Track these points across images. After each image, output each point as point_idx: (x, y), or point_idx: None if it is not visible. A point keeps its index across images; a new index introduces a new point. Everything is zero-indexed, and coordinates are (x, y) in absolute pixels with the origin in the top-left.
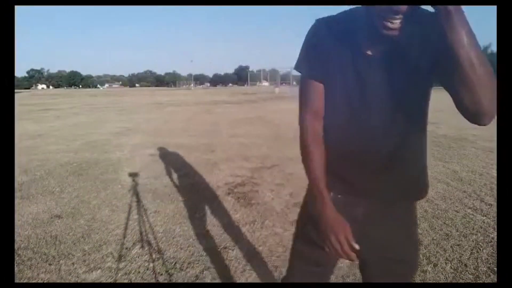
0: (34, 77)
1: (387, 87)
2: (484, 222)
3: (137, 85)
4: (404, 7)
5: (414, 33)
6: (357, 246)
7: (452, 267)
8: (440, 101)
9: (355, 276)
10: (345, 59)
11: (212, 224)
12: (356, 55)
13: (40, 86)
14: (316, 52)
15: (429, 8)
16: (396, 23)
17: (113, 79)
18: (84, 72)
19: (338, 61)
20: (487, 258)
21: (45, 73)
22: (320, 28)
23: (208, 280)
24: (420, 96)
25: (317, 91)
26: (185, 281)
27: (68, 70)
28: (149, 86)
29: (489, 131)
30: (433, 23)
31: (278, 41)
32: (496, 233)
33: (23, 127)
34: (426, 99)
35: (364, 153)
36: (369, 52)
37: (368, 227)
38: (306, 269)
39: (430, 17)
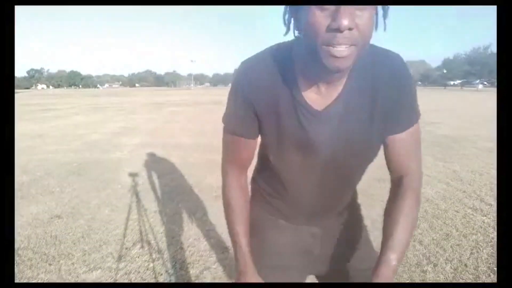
0: (34, 77)
1: (337, 144)
2: (484, 222)
3: (137, 85)
4: (355, 35)
5: (364, 83)
6: None
7: (452, 267)
8: (440, 101)
9: None
10: (286, 112)
11: (212, 224)
12: (298, 109)
13: (40, 86)
14: (247, 106)
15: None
16: (345, 51)
17: (113, 79)
18: (84, 72)
19: (276, 113)
20: (487, 258)
21: (45, 73)
22: (249, 74)
23: (208, 280)
24: (373, 149)
25: (246, 148)
26: (185, 281)
27: (68, 70)
28: (149, 86)
29: (489, 131)
30: (387, 67)
31: (278, 41)
32: (496, 233)
33: (23, 127)
34: (377, 149)
35: (310, 192)
36: (315, 106)
37: (324, 251)
38: None
39: (381, 67)
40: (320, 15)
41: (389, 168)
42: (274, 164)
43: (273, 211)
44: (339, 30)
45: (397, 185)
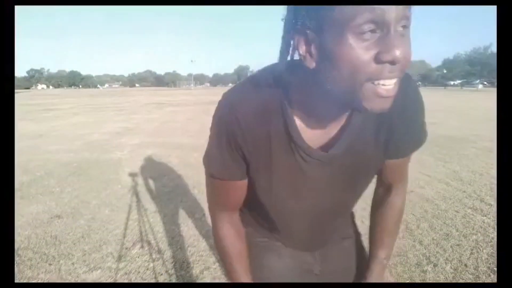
0: (34, 77)
1: (339, 184)
2: (484, 222)
3: (137, 85)
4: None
5: (369, 117)
6: None
7: (452, 267)
8: (440, 101)
9: None
10: (280, 154)
11: None
12: (296, 150)
13: (40, 86)
14: (232, 148)
15: None
16: (393, 88)
17: (113, 79)
18: (84, 72)
19: (268, 156)
20: (487, 258)
21: (45, 73)
22: (233, 111)
23: (208, 280)
24: (372, 177)
25: (234, 190)
26: (185, 281)
27: (68, 70)
28: (149, 86)
29: (489, 131)
30: (392, 108)
31: (278, 41)
32: (496, 233)
33: (23, 127)
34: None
35: (305, 228)
36: (314, 146)
37: (325, 269)
38: None
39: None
40: (360, 45)
41: (379, 179)
42: (264, 204)
43: (267, 235)
44: (393, 62)
45: (385, 189)
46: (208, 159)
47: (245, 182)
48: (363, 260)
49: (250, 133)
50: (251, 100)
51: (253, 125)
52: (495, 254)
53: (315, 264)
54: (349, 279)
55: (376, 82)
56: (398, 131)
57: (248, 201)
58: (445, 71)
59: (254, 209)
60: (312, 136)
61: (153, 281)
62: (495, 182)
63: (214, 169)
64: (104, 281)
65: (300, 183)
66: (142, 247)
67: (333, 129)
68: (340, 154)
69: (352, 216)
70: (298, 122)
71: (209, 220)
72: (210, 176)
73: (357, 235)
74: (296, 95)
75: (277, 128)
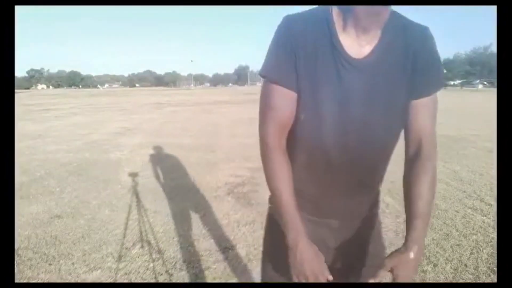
0: (34, 77)
1: (372, 98)
2: (484, 222)
3: (137, 85)
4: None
5: (397, 39)
6: (331, 278)
7: (452, 267)
8: (440, 101)
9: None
10: (324, 63)
11: (212, 224)
12: (337, 58)
13: (40, 86)
14: (288, 55)
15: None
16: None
17: (113, 79)
18: (84, 72)
19: (314, 65)
20: (487, 258)
21: (45, 73)
22: (291, 26)
23: (208, 280)
24: (402, 110)
25: (287, 100)
26: (185, 281)
27: (68, 70)
28: (149, 86)
29: (489, 131)
30: (416, 37)
31: None
32: (496, 233)
33: (23, 127)
34: (404, 114)
35: (337, 174)
36: (352, 55)
37: (339, 244)
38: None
39: (413, 29)
40: None
41: (407, 137)
42: (305, 124)
43: (297, 205)
44: None
45: (415, 158)
46: (266, 67)
47: (295, 96)
48: (379, 247)
49: (301, 39)
50: (304, 15)
51: (304, 34)
52: (495, 254)
53: (331, 239)
54: (357, 261)
55: None
56: (421, 63)
57: (290, 144)
58: (445, 71)
59: (292, 158)
60: (352, 48)
61: (153, 281)
62: (495, 182)
63: (269, 68)
64: (104, 281)
65: (338, 89)
66: (142, 247)
67: (368, 45)
68: (373, 63)
69: (377, 194)
70: (340, 37)
71: (209, 220)
72: (268, 83)
73: (378, 220)
74: (338, 18)
75: (324, 42)
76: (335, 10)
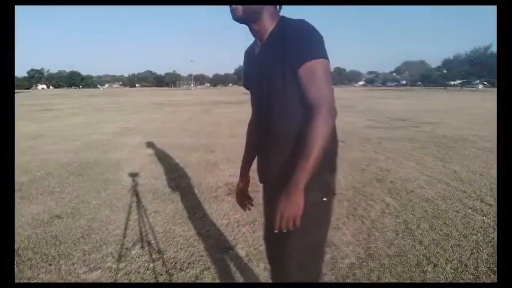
0: (34, 77)
1: (261, 73)
2: (484, 222)
3: (137, 85)
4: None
5: (278, 31)
6: (250, 206)
7: (452, 267)
8: (440, 101)
9: (355, 276)
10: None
11: (212, 224)
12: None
13: (40, 86)
14: None
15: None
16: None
17: (113, 79)
18: (84, 72)
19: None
20: (487, 258)
21: (45, 73)
22: None
23: (208, 280)
24: (283, 81)
25: None
26: (185, 281)
27: (68, 70)
28: (149, 86)
29: (489, 131)
30: (291, 25)
31: None
32: (496, 233)
33: (23, 127)
34: (290, 92)
35: (266, 144)
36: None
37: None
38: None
39: (289, 29)
40: None
41: (303, 104)
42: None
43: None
44: None
45: (308, 112)
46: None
47: None
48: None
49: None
50: None
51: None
52: (495, 254)
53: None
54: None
55: None
56: (290, 43)
57: None
58: (445, 71)
59: None
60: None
61: (153, 281)
62: (495, 182)
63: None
64: (104, 281)
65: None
66: (142, 247)
67: (259, 46)
68: (259, 56)
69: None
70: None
71: (209, 220)
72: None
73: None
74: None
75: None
76: None
